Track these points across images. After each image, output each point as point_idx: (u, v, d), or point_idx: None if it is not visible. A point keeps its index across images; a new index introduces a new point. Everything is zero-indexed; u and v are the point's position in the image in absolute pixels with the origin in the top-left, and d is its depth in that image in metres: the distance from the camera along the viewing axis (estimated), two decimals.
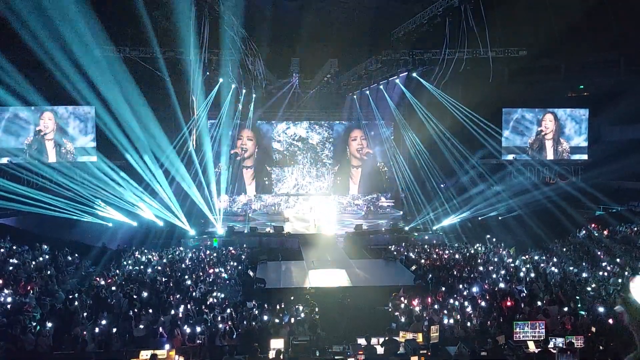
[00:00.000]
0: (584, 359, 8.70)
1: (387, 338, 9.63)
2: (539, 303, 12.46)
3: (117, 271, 16.76)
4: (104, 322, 11.03)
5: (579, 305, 12.78)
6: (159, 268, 17.40)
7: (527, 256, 19.14)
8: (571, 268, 16.76)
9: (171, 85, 24.99)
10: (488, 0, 19.80)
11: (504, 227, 24.85)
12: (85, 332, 10.42)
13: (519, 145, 30.10)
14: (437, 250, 21.54)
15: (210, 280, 16.10)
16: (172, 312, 11.90)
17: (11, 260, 16.36)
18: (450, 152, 27.74)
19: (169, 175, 25.17)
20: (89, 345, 9.97)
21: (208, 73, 24.01)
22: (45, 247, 18.82)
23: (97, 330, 10.61)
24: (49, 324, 10.54)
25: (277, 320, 11.69)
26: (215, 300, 13.64)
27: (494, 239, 22.54)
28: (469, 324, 11.35)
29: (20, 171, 24.54)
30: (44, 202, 22.26)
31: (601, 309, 11.48)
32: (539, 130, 30.14)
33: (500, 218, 26.82)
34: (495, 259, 19.00)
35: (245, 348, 9.56)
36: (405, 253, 21.43)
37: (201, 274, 16.79)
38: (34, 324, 10.84)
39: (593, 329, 10.42)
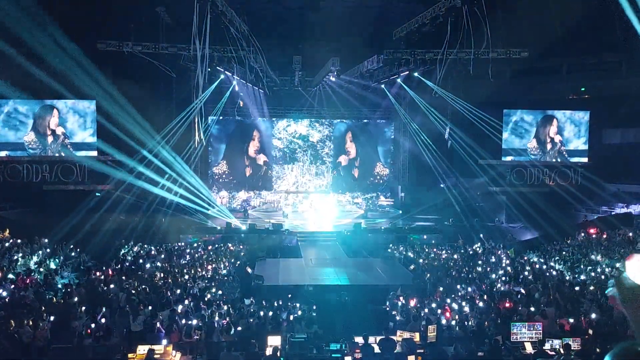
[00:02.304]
0: None
1: (383, 337, 9.65)
2: (537, 305, 12.48)
3: (116, 266, 16.77)
4: (102, 317, 11.04)
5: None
6: (158, 263, 17.42)
7: (525, 257, 19.16)
8: (570, 272, 16.78)
9: (173, 81, 24.99)
10: (490, 0, 19.77)
11: (503, 229, 24.87)
12: (83, 326, 10.44)
13: (517, 147, 30.06)
14: (435, 250, 21.56)
15: (209, 276, 16.13)
16: (170, 307, 11.92)
17: (10, 255, 16.35)
18: (450, 152, 27.72)
19: (168, 170, 25.13)
20: (86, 339, 9.98)
21: (210, 69, 24.01)
22: (45, 240, 18.82)
23: (94, 324, 10.62)
24: (50, 317, 10.55)
25: (274, 318, 11.71)
26: (213, 297, 13.66)
27: (491, 241, 22.52)
28: (466, 324, 11.36)
29: (19, 165, 24.52)
30: (43, 196, 22.25)
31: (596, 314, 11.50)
32: (537, 132, 30.09)
33: (498, 219, 26.84)
34: (494, 260, 19.02)
35: (243, 344, 9.58)
36: (404, 252, 21.45)
37: (199, 269, 16.81)
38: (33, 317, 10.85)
39: (590, 331, 10.44)
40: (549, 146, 29.94)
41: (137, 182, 23.29)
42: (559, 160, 29.90)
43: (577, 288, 14.22)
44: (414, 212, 28.12)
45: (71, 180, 24.63)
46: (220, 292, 14.36)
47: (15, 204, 23.31)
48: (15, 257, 16.04)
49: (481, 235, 22.94)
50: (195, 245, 21.80)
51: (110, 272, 15.70)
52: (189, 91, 26.18)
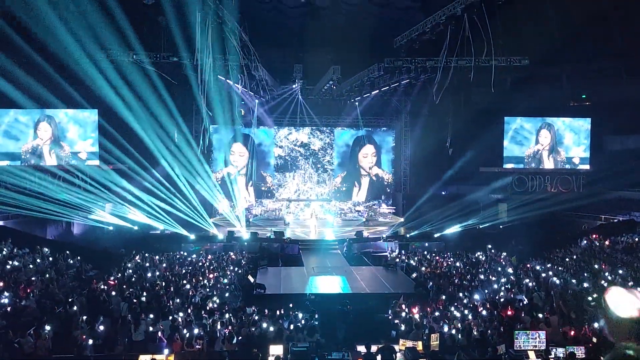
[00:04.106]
0: None
1: (383, 345, 9.62)
2: (540, 313, 12.42)
3: (117, 275, 16.75)
4: (103, 326, 11.01)
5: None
6: (159, 273, 17.38)
7: (528, 265, 19.09)
8: (573, 280, 16.70)
9: (174, 90, 25.08)
10: (490, 9, 19.85)
11: (505, 236, 24.80)
12: (84, 336, 10.41)
13: (517, 155, 30.10)
14: (437, 258, 21.49)
15: (210, 285, 16.09)
16: (172, 316, 11.88)
17: (11, 263, 16.34)
18: (451, 160, 27.74)
19: (171, 179, 25.21)
20: (87, 349, 9.95)
21: (211, 78, 24.07)
22: (46, 250, 18.81)
23: (96, 334, 10.59)
24: (48, 327, 10.52)
25: (276, 327, 11.66)
26: (214, 306, 13.62)
27: (493, 250, 22.44)
28: (469, 332, 11.30)
29: (20, 174, 24.56)
30: (44, 205, 22.28)
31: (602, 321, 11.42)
32: (536, 140, 30.13)
33: (501, 227, 26.76)
34: (497, 268, 18.95)
35: (245, 354, 9.55)
36: (406, 260, 21.39)
37: (201, 278, 16.77)
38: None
39: (594, 340, 10.38)
40: (547, 153, 29.98)
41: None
42: (559, 167, 29.92)
43: (590, 298, 14.14)
44: (415, 219, 28.06)
45: (73, 189, 24.63)
46: (221, 301, 14.32)
47: (17, 213, 23.30)
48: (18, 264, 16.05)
49: (489, 246, 22.86)
50: (196, 254, 21.77)
51: (111, 282, 15.67)
52: (190, 100, 26.30)
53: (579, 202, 26.99)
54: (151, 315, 11.84)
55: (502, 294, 14.93)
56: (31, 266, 16.59)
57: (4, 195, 21.76)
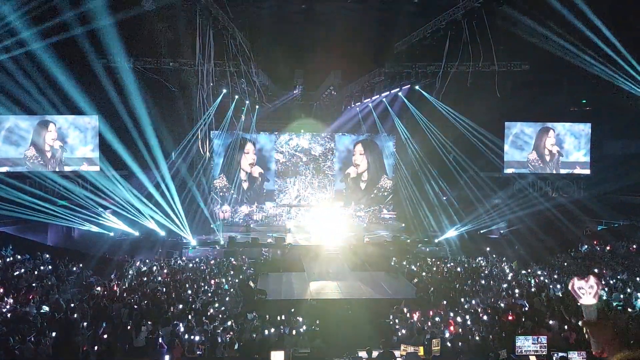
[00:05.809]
0: None
1: (382, 350, 9.61)
2: (541, 318, 12.40)
3: (118, 281, 16.73)
4: (103, 332, 10.98)
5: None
6: (160, 278, 17.37)
7: (529, 270, 19.06)
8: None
9: (175, 96, 25.14)
10: (491, 14, 19.89)
11: (506, 241, 24.79)
12: (85, 342, 10.39)
13: (518, 160, 30.09)
14: (439, 263, 21.47)
15: (211, 291, 16.07)
16: (173, 322, 11.86)
17: (13, 270, 16.33)
18: (452, 165, 27.73)
19: (171, 184, 25.22)
20: (88, 355, 9.93)
21: (212, 84, 24.14)
22: (47, 256, 18.80)
23: (97, 340, 10.57)
24: (50, 334, 10.50)
25: (277, 332, 11.64)
26: (216, 311, 13.60)
27: (494, 254, 22.40)
28: (470, 337, 11.28)
29: (21, 180, 24.57)
30: (45, 211, 22.29)
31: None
32: (536, 144, 30.12)
33: (502, 232, 26.74)
34: (498, 273, 18.92)
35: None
36: (407, 266, 21.36)
37: (202, 284, 16.75)
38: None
39: None
40: (547, 158, 29.98)
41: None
42: (560, 171, 29.91)
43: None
44: (416, 224, 28.04)
45: (73, 194, 24.65)
46: (222, 306, 14.30)
47: (17, 218, 23.32)
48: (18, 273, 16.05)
49: (487, 249, 22.82)
50: (197, 259, 21.75)
51: (112, 288, 15.66)
52: (191, 106, 26.34)
53: (580, 207, 26.95)
54: (152, 322, 11.82)
55: (503, 299, 14.90)
56: (36, 272, 16.59)
57: (5, 200, 21.75)
